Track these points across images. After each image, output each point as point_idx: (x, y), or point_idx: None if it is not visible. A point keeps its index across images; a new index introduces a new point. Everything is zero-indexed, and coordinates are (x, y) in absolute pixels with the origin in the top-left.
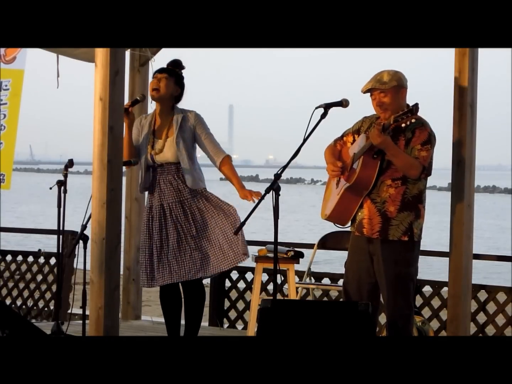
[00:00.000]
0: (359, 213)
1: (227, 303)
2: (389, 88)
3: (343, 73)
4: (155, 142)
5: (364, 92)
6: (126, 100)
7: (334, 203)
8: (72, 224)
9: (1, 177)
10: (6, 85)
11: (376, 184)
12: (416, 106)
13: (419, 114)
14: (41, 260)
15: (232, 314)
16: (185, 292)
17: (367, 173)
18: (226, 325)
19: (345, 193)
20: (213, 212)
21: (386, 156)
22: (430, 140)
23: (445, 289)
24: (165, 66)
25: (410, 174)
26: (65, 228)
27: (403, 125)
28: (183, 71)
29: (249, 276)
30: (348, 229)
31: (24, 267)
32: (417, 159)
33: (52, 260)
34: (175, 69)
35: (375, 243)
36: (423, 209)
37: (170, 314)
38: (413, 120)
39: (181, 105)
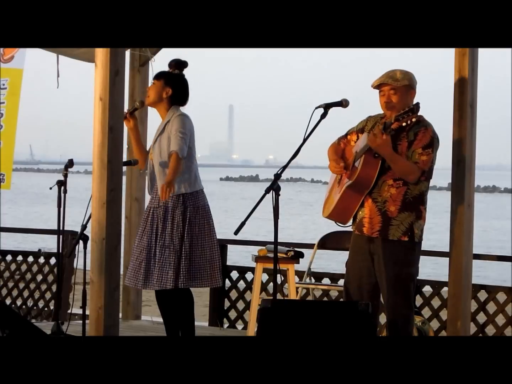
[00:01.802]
0: (360, 212)
1: (227, 303)
2: (400, 86)
3: (343, 73)
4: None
5: (374, 87)
6: (126, 100)
7: (335, 202)
8: (73, 224)
9: (1, 177)
10: (3, 84)
11: (377, 184)
12: (417, 105)
13: (423, 116)
14: (41, 260)
15: (232, 314)
16: (173, 298)
17: (368, 172)
18: (226, 325)
19: (346, 191)
20: (191, 225)
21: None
22: (432, 143)
23: (445, 289)
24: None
25: (407, 179)
26: (65, 228)
27: (404, 124)
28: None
29: (249, 276)
30: (349, 228)
31: (24, 267)
32: (417, 163)
33: (52, 260)
34: (170, 69)
35: (375, 243)
36: (424, 210)
37: (167, 317)
38: (413, 119)
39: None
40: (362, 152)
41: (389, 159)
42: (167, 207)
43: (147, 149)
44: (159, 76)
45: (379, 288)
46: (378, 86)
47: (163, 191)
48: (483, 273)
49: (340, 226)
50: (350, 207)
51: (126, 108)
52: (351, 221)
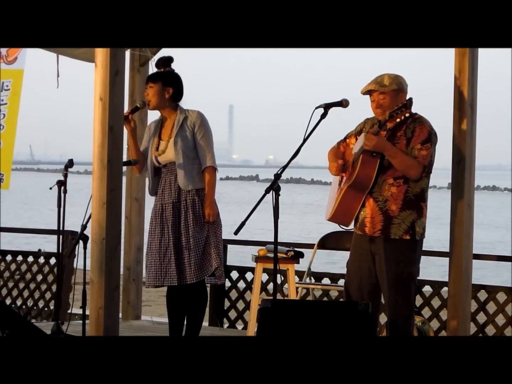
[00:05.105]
0: (362, 212)
1: (227, 303)
2: (389, 91)
3: (344, 73)
4: (160, 144)
5: (364, 94)
6: (126, 100)
7: (336, 204)
8: (73, 224)
9: (1, 177)
10: (7, 86)
11: (377, 183)
12: (409, 100)
13: (420, 114)
14: (41, 260)
15: (232, 314)
16: (187, 293)
17: (366, 171)
18: (226, 325)
19: (346, 192)
20: (199, 219)
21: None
22: (430, 138)
23: (445, 289)
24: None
25: (409, 175)
26: (65, 228)
27: (398, 120)
28: (173, 64)
29: (249, 276)
30: (351, 229)
31: (24, 267)
32: (417, 158)
33: (52, 260)
34: (161, 69)
35: (377, 242)
36: (425, 207)
37: (174, 315)
38: (407, 114)
39: (183, 105)
40: (360, 152)
41: (389, 154)
42: (194, 200)
43: (143, 149)
44: (155, 78)
45: (379, 288)
46: (367, 92)
47: (210, 214)
48: (483, 273)
49: (342, 228)
50: (352, 208)
51: (126, 109)
52: (353, 223)
